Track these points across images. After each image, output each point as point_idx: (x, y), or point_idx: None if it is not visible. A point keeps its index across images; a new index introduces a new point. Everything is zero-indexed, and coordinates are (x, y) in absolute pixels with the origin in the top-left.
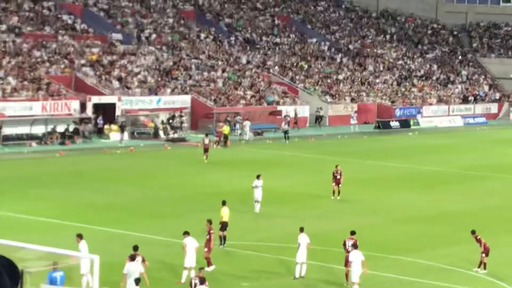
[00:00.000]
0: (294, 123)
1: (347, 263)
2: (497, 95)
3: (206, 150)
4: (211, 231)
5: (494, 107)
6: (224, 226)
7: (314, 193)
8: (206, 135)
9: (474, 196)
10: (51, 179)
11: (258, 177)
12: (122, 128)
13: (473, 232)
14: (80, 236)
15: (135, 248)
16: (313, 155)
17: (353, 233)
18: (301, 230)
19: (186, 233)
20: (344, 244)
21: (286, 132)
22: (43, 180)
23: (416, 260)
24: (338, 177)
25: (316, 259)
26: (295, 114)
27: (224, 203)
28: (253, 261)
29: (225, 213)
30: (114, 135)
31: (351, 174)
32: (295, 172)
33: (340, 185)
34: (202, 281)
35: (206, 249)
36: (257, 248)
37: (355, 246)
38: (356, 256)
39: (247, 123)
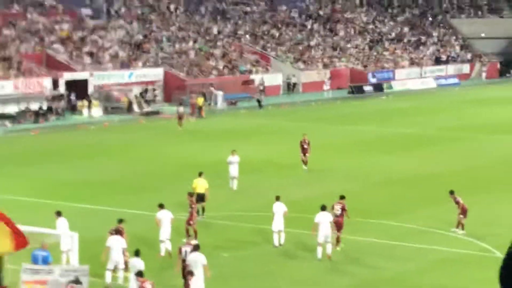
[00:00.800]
0: (261, 91)
1: (339, 229)
2: (469, 56)
3: (180, 118)
4: (194, 205)
5: (466, 68)
6: (200, 197)
7: (290, 161)
8: (180, 104)
9: (451, 157)
10: (25, 157)
11: (233, 152)
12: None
13: (451, 192)
14: (58, 213)
15: (120, 220)
16: (288, 123)
17: (342, 197)
18: (277, 198)
19: (161, 206)
20: (333, 209)
21: (259, 100)
22: (17, 159)
23: (397, 223)
24: (306, 146)
25: (295, 226)
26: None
27: (200, 174)
28: (232, 231)
29: (200, 185)
30: (87, 111)
31: (327, 140)
32: (270, 141)
33: (307, 155)
34: (196, 248)
35: (191, 222)
36: (236, 218)
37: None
38: (323, 217)
39: (219, 93)
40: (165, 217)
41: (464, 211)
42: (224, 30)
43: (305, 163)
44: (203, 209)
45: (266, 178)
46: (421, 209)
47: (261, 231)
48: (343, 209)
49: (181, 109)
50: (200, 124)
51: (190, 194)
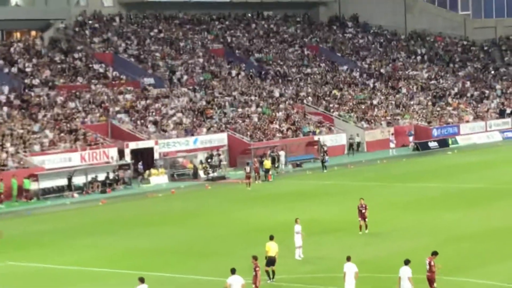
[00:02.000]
0: (324, 152)
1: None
2: None
3: (248, 178)
4: (257, 268)
5: None
6: (271, 261)
7: (357, 220)
8: (247, 164)
9: None
10: (95, 228)
11: (296, 220)
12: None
13: None
14: (141, 280)
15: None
16: (354, 182)
17: (434, 253)
18: (348, 259)
19: (232, 271)
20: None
21: (323, 161)
22: (87, 230)
23: (468, 279)
24: (363, 211)
25: (366, 287)
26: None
27: (271, 238)
28: None
29: (271, 248)
30: (154, 179)
31: (394, 198)
32: (336, 201)
33: (366, 219)
34: None
35: (253, 286)
36: (306, 281)
37: (406, 262)
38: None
39: (281, 153)
40: (236, 282)
41: None
42: (286, 93)
43: (365, 227)
44: (273, 272)
45: (335, 239)
46: (493, 264)
47: None
48: (429, 264)
49: (248, 169)
50: (267, 187)
51: (255, 258)
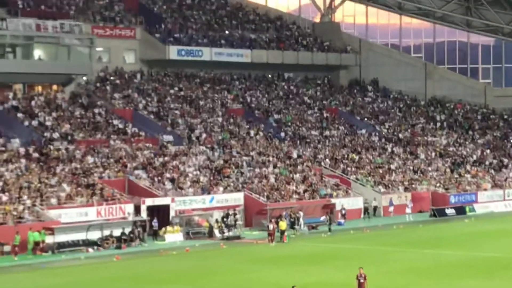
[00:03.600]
0: (343, 216)
1: None
2: None
3: (270, 234)
4: None
5: None
6: None
7: (373, 285)
8: (270, 221)
9: None
10: (109, 284)
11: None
12: None
13: None
14: None
15: None
16: (370, 247)
17: None
18: None
19: None
20: None
21: (329, 223)
22: (101, 285)
23: None
24: (362, 280)
25: None
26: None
27: None
28: None
29: None
30: (169, 236)
31: (409, 264)
32: (353, 265)
33: None
34: None
35: None
36: None
37: None
38: None
39: (301, 213)
40: None
41: None
42: (304, 154)
43: None
44: None
45: None
46: None
47: None
48: None
49: (271, 226)
50: (282, 249)
51: None
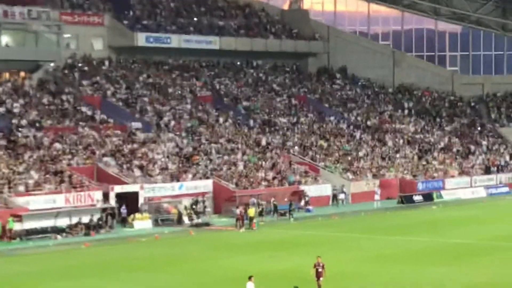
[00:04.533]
0: (306, 203)
1: None
2: None
3: (238, 219)
4: None
5: None
6: None
7: (340, 271)
8: (237, 207)
9: (503, 267)
10: (77, 271)
11: (250, 278)
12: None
13: None
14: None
15: None
16: (338, 233)
17: None
18: None
19: None
20: None
21: (290, 209)
22: (69, 273)
23: None
24: (320, 270)
25: None
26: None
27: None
28: None
29: None
30: (138, 223)
31: (377, 251)
32: (321, 252)
33: (321, 279)
34: None
35: None
36: None
37: None
38: None
39: (272, 201)
40: None
41: None
42: (273, 142)
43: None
44: None
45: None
46: None
47: None
48: None
49: (238, 211)
50: (250, 236)
51: None
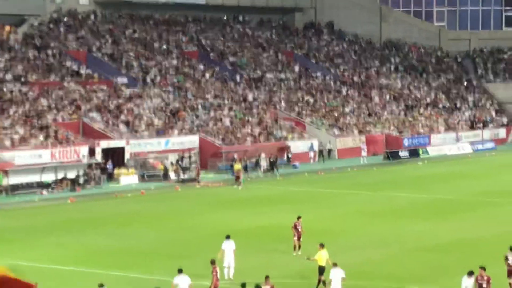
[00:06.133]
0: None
1: None
2: (505, 120)
3: (237, 178)
4: (215, 272)
5: (502, 132)
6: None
7: (325, 227)
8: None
9: (487, 222)
10: (63, 226)
11: (227, 237)
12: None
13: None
14: (101, 286)
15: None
16: (324, 189)
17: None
18: (334, 265)
19: (180, 271)
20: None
21: (272, 164)
22: (55, 228)
23: None
24: (300, 229)
25: None
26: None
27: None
28: None
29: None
30: (124, 179)
31: (363, 206)
32: (306, 207)
33: (300, 239)
34: None
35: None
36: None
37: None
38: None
39: (262, 156)
40: (182, 282)
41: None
42: (259, 97)
43: (298, 247)
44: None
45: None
46: (458, 276)
47: None
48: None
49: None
50: (236, 191)
51: (212, 262)
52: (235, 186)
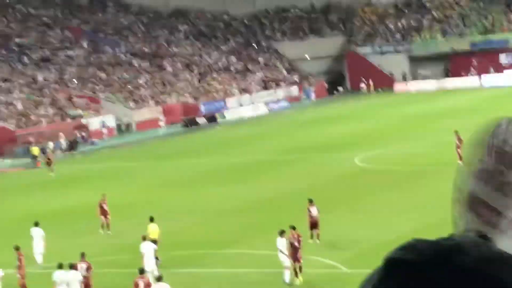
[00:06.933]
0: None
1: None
2: (296, 78)
3: (48, 163)
4: (21, 257)
5: (295, 90)
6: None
7: (129, 201)
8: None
9: (287, 180)
10: None
11: (36, 224)
12: None
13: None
14: None
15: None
16: (124, 163)
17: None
18: (144, 238)
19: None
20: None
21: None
22: None
23: (240, 251)
24: (106, 208)
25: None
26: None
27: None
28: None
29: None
30: None
31: (164, 177)
32: (111, 184)
33: (108, 217)
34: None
35: (19, 276)
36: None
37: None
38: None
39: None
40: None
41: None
42: (50, 77)
43: (107, 226)
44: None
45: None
46: (263, 235)
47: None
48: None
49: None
50: (36, 175)
51: (16, 248)
52: (51, 174)
